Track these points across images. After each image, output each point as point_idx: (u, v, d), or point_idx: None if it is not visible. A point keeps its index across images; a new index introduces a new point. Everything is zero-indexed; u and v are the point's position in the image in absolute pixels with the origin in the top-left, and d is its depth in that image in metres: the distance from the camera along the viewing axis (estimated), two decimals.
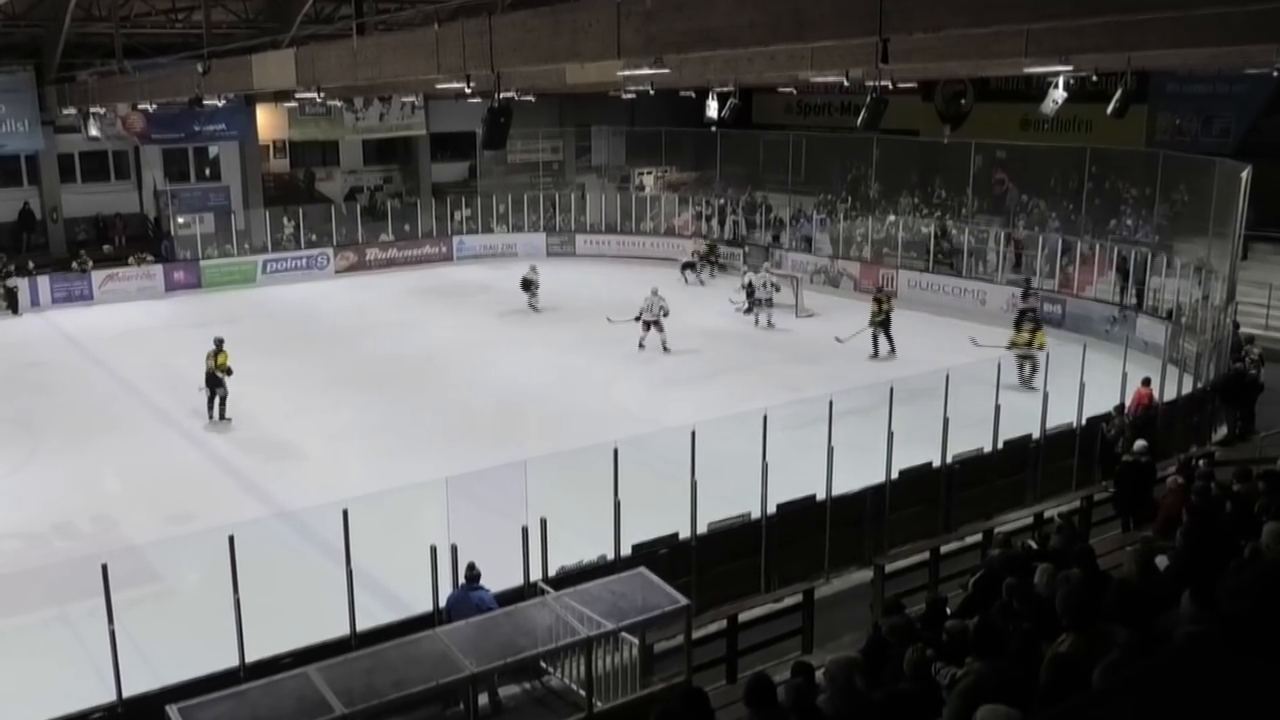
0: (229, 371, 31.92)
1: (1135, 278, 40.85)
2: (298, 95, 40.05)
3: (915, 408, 24.51)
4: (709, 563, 20.80)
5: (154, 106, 43.84)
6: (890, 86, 27.84)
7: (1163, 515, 19.46)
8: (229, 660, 16.45)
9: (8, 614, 20.00)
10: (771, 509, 21.68)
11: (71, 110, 47.57)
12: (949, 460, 24.22)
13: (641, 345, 39.40)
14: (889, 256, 50.74)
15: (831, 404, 22.02)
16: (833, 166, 59.17)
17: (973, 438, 24.88)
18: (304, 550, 21.81)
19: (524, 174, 66.05)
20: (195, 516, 24.08)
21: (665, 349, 39.15)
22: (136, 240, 54.63)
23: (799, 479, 22.22)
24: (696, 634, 17.69)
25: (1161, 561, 13.59)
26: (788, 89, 53.77)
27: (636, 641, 16.82)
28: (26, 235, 52.96)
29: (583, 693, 16.36)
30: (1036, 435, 25.98)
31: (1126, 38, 22.13)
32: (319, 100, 41.90)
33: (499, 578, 18.09)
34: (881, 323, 37.41)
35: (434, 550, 17.68)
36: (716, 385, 34.54)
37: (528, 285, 47.64)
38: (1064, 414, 26.39)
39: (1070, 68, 28.87)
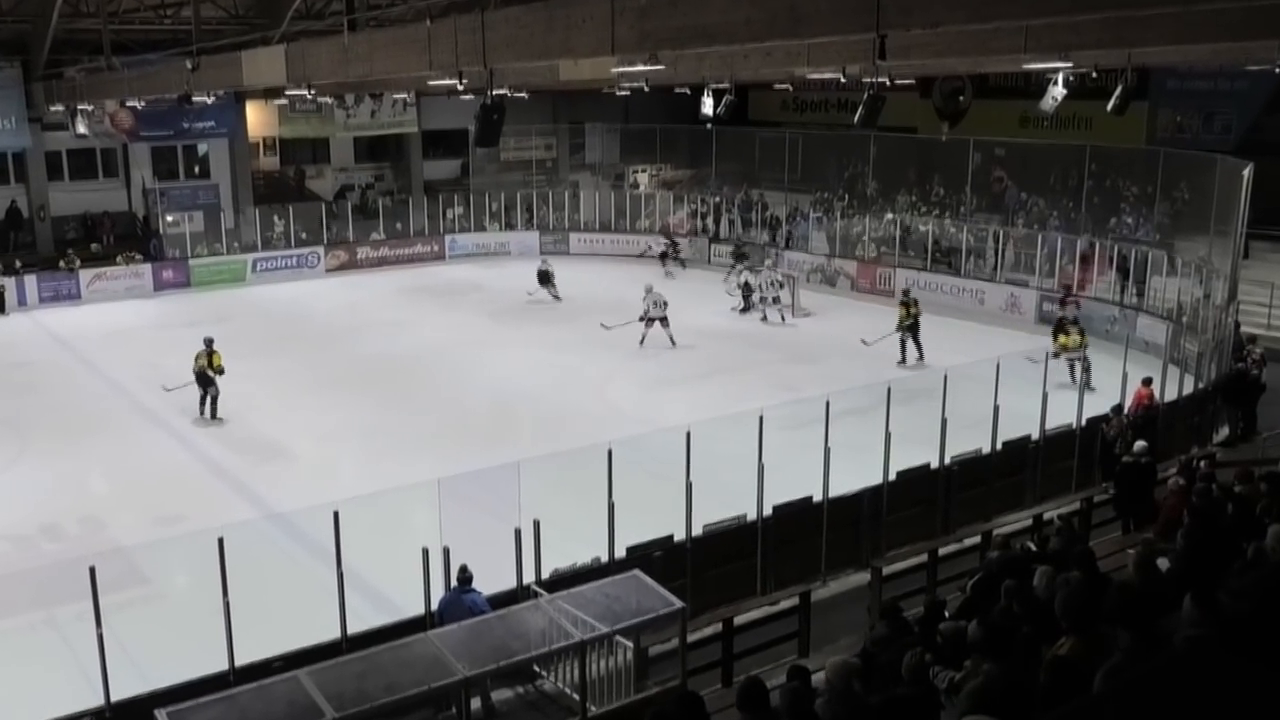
0: (221, 371, 32.06)
1: (1136, 277, 40.86)
2: (288, 92, 40.02)
3: (913, 408, 24.51)
4: (704, 565, 20.78)
5: (142, 103, 43.84)
6: (888, 83, 27.86)
7: (1163, 517, 19.48)
8: (218, 664, 16.42)
9: None
10: (768, 510, 21.66)
11: (59, 107, 47.56)
12: (947, 461, 24.22)
13: (642, 342, 39.56)
14: (886, 255, 50.74)
15: (828, 404, 22.01)
16: (829, 164, 59.21)
17: (971, 438, 24.87)
18: (294, 552, 21.80)
19: (517, 172, 66.11)
20: (184, 518, 24.00)
21: (672, 343, 39.44)
22: (125, 239, 54.60)
23: (795, 480, 22.21)
24: (691, 637, 17.68)
25: (1163, 564, 13.59)
26: (784, 86, 53.90)
27: (631, 645, 16.81)
28: (13, 234, 53.02)
29: (576, 697, 16.34)
30: (1036, 436, 25.95)
31: (1127, 34, 22.14)
32: (310, 97, 41.95)
33: (492, 580, 18.07)
34: (910, 327, 36.70)
35: (426, 552, 17.64)
36: (712, 385, 34.52)
37: (546, 278, 48.06)
38: (1063, 414, 26.39)
39: (1070, 64, 28.90)
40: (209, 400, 32.30)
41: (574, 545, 19.82)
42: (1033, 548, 17.89)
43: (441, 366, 37.68)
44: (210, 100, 41.20)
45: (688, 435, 20.16)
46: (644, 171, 66.94)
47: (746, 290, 45.20)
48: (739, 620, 19.07)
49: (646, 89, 44.00)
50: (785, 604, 19.99)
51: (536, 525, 18.52)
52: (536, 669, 17.26)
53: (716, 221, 60.03)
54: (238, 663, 16.47)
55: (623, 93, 50.64)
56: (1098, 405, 26.76)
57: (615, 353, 38.78)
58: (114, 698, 15.77)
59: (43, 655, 18.88)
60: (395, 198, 63.00)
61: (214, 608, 16.38)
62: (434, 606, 17.69)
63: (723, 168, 62.30)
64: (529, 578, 18.70)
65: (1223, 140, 46.50)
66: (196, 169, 59.07)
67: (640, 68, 25.78)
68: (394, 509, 21.33)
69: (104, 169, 56.57)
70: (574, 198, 63.42)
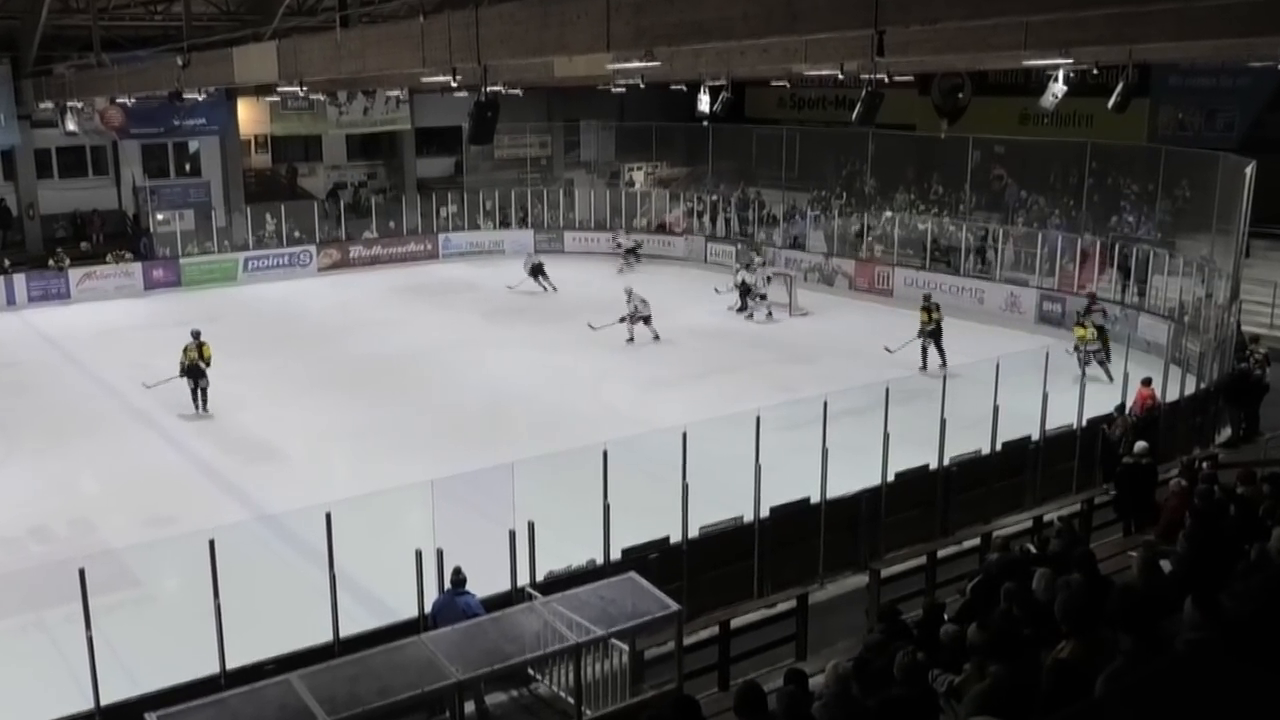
0: (209, 362, 32.38)
1: (1137, 275, 40.87)
2: (280, 89, 40.06)
3: (912, 408, 24.49)
4: (700, 567, 20.77)
5: (133, 100, 43.85)
6: (886, 80, 27.86)
7: (1165, 519, 19.49)
8: (209, 667, 16.41)
9: None
10: (764, 512, 21.65)
11: (48, 104, 47.49)
12: (946, 462, 24.19)
13: (631, 339, 39.81)
14: (885, 254, 50.71)
15: (826, 405, 21.99)
16: (827, 162, 59.21)
17: (970, 439, 24.87)
18: (286, 554, 21.78)
19: (511, 170, 66.10)
20: (175, 520, 24.00)
21: (656, 338, 39.80)
22: (115, 237, 54.57)
23: (793, 481, 22.17)
24: (688, 640, 17.67)
25: (1164, 566, 13.60)
26: (781, 83, 53.98)
27: (626, 648, 16.80)
28: (2, 232, 53.02)
29: (571, 700, 16.34)
30: (1036, 437, 25.95)
31: (1128, 30, 22.14)
32: (302, 94, 41.89)
33: (485, 582, 18.07)
34: (931, 333, 36.32)
35: (419, 554, 17.64)
36: (708, 385, 34.55)
37: (538, 271, 48.41)
38: (1064, 415, 26.40)
39: (1070, 61, 28.90)
40: (200, 393, 32.57)
41: (569, 547, 19.78)
42: (1033, 550, 17.91)
43: (435, 366, 37.66)
44: (201, 97, 41.09)
45: (684, 436, 20.16)
46: (639, 169, 66.84)
47: (744, 290, 45.22)
48: (736, 623, 19.05)
49: (642, 86, 44.00)
50: (782, 607, 19.96)
51: (531, 527, 18.51)
52: (531, 672, 17.25)
53: (713, 220, 60.07)
54: (229, 666, 16.45)
55: (618, 90, 50.63)
56: (1097, 405, 26.75)
57: (610, 353, 38.81)
58: (104, 701, 15.73)
59: (32, 658, 18.88)
60: (388, 196, 63.02)
61: (205, 610, 16.35)
62: (427, 609, 17.69)
63: (719, 166, 62.25)
64: (523, 580, 18.70)
65: (1225, 138, 46.49)
66: (187, 167, 59.00)
67: (636, 64, 25.77)
68: (387, 510, 21.35)
69: (94, 167, 56.51)
70: (569, 196, 63.44)
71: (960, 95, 53.54)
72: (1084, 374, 32.37)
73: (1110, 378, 31.93)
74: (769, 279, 45.62)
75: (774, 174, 59.63)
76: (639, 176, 66.57)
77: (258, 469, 28.65)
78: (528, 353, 38.82)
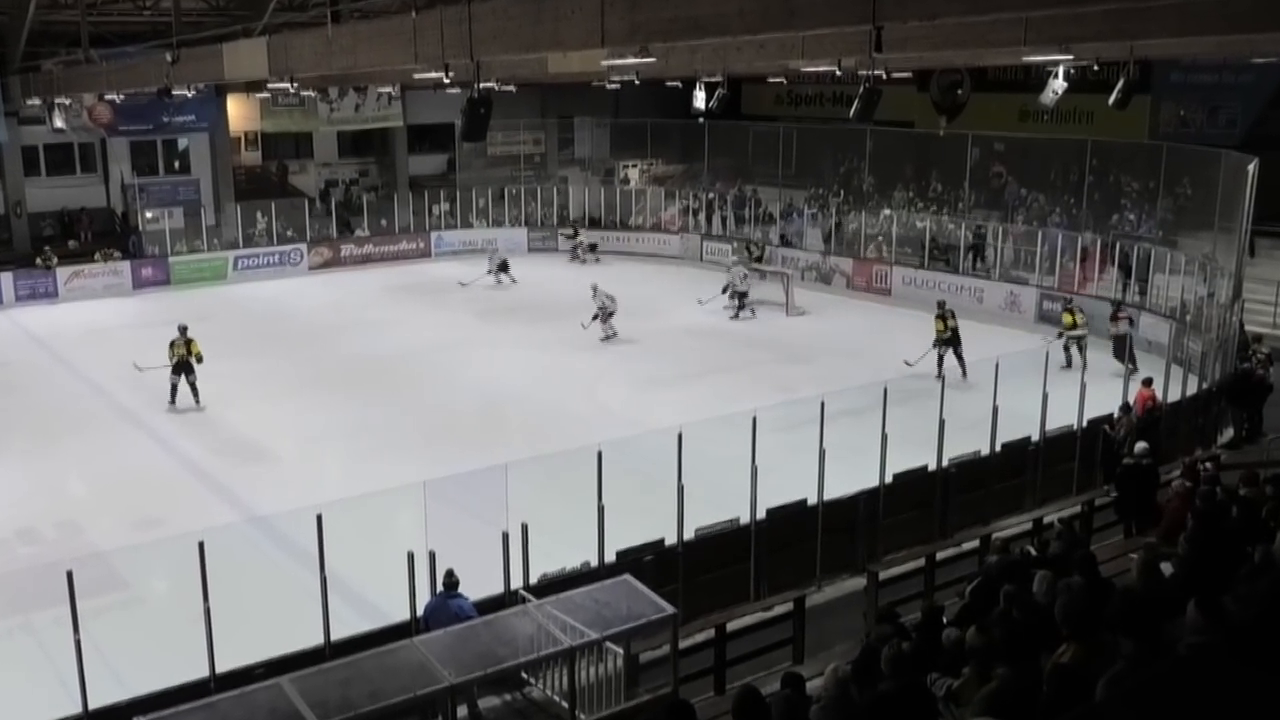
0: (200, 359, 32.62)
1: (1138, 274, 40.88)
2: (270, 85, 40.02)
3: (910, 409, 24.52)
4: (696, 570, 20.77)
5: (121, 97, 43.89)
6: (884, 76, 27.91)
7: (1166, 520, 19.48)
8: (199, 671, 16.39)
9: None
10: (761, 514, 21.66)
11: (36, 101, 47.40)
12: (945, 463, 24.21)
13: (611, 335, 40.11)
14: (882, 251, 50.69)
15: (823, 405, 22.01)
16: (825, 159, 59.33)
17: (970, 440, 24.88)
18: (277, 557, 21.78)
19: (504, 167, 66.16)
20: (164, 521, 23.99)
21: (611, 336, 40.17)
22: (103, 236, 54.61)
23: (790, 483, 22.19)
24: (683, 644, 17.65)
25: (1166, 568, 13.60)
26: (778, 79, 53.92)
27: (621, 651, 16.81)
28: None
29: (565, 705, 16.34)
30: (1036, 437, 25.97)
31: (1128, 26, 22.15)
32: (292, 91, 41.79)
33: (478, 585, 18.07)
34: (948, 340, 35.34)
35: (411, 556, 17.63)
36: (704, 386, 34.54)
37: (504, 268, 49.42)
38: (1064, 415, 26.40)
39: (1070, 57, 28.88)
40: (191, 388, 32.79)
41: (563, 549, 19.76)
42: (1033, 552, 17.91)
43: (427, 366, 37.64)
44: (190, 94, 41.06)
45: (679, 437, 20.17)
46: (634, 167, 66.90)
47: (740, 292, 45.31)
48: (732, 626, 19.04)
49: (637, 82, 43.97)
50: (779, 610, 19.94)
51: (524, 529, 18.53)
52: (524, 676, 17.27)
53: (709, 218, 60.09)
54: (218, 669, 16.43)
55: (613, 86, 50.52)
56: (1098, 405, 26.74)
57: (605, 352, 38.86)
58: (92, 705, 15.70)
59: (19, 661, 18.85)
60: (380, 193, 63.08)
61: (194, 613, 16.35)
62: (419, 612, 17.68)
63: (715, 163, 62.30)
64: (517, 583, 18.70)
65: (1227, 135, 46.54)
66: (176, 164, 59.01)
67: (631, 60, 25.70)
68: (379, 512, 21.34)
69: (82, 164, 56.52)
70: (563, 194, 63.46)
71: (959, 92, 53.74)
72: (1069, 363, 33.55)
73: (1083, 363, 32.60)
74: (745, 276, 45.76)
75: (771, 171, 59.63)
76: (634, 174, 66.61)
77: (248, 470, 28.62)
78: (521, 352, 38.83)
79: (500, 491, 18.42)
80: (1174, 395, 28.53)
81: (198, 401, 33.02)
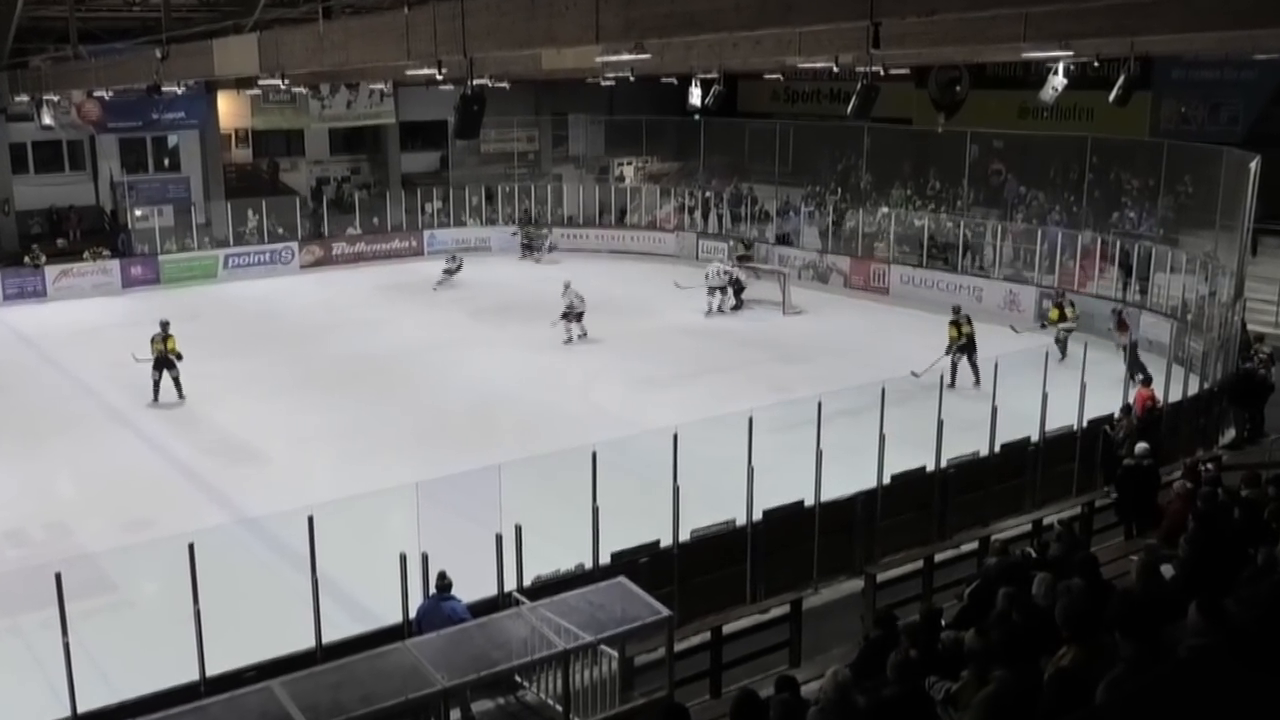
0: (179, 355, 33.01)
1: (1139, 273, 40.89)
2: (261, 82, 40.05)
3: (908, 409, 24.53)
4: (692, 572, 20.77)
5: (110, 94, 43.76)
6: (882, 73, 27.83)
7: (1167, 522, 19.47)
8: (189, 674, 16.38)
9: None
10: (758, 515, 21.65)
11: (24, 98, 47.41)
12: (944, 464, 24.21)
13: (569, 340, 40.03)
14: (881, 251, 50.69)
15: (820, 405, 21.96)
16: (822, 157, 59.28)
17: (969, 440, 24.87)
18: (268, 559, 21.74)
19: (498, 164, 66.13)
20: (153, 523, 23.96)
21: (572, 338, 40.14)
22: (92, 234, 54.59)
23: (786, 484, 22.18)
24: (679, 646, 17.66)
25: (1167, 570, 13.60)
26: (774, 75, 53.75)
27: (616, 654, 16.78)
28: None
29: (559, 708, 16.32)
30: (1035, 438, 25.96)
31: (1129, 22, 22.16)
32: (283, 87, 41.70)
33: (472, 587, 18.05)
34: (963, 348, 34.49)
35: (404, 558, 17.63)
36: (700, 386, 34.52)
37: (456, 268, 49.83)
38: (1064, 416, 26.40)
39: (1071, 53, 28.91)
40: (174, 382, 33.17)
41: (557, 551, 19.78)
42: (1032, 554, 17.89)
43: (420, 366, 37.60)
44: (180, 90, 41.13)
45: (675, 437, 20.16)
46: (629, 164, 66.91)
47: (738, 287, 45.32)
48: (728, 629, 19.05)
49: (632, 79, 43.99)
50: (776, 612, 19.97)
51: (518, 530, 18.51)
52: (518, 679, 17.24)
53: (705, 216, 60.09)
54: (209, 673, 16.42)
55: (607, 83, 50.51)
56: (1098, 405, 26.74)
57: (599, 352, 38.85)
58: (81, 709, 15.70)
59: (7, 665, 18.79)
60: (372, 191, 63.02)
61: (184, 616, 16.30)
62: (412, 615, 17.67)
63: (711, 160, 62.33)
64: (510, 585, 18.69)
65: (1229, 132, 46.60)
66: (166, 162, 58.96)
67: (626, 57, 25.70)
68: (371, 514, 21.34)
69: (70, 161, 56.54)
70: (557, 191, 63.44)
71: (958, 88, 53.80)
72: (1064, 355, 33.97)
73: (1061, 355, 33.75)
74: (719, 272, 46.14)
75: (767, 169, 59.60)
76: (629, 172, 66.62)
77: (238, 471, 28.60)
78: (515, 352, 38.80)
79: (494, 493, 18.43)
80: (1175, 395, 28.52)
81: (180, 395, 33.31)
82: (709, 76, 35.61)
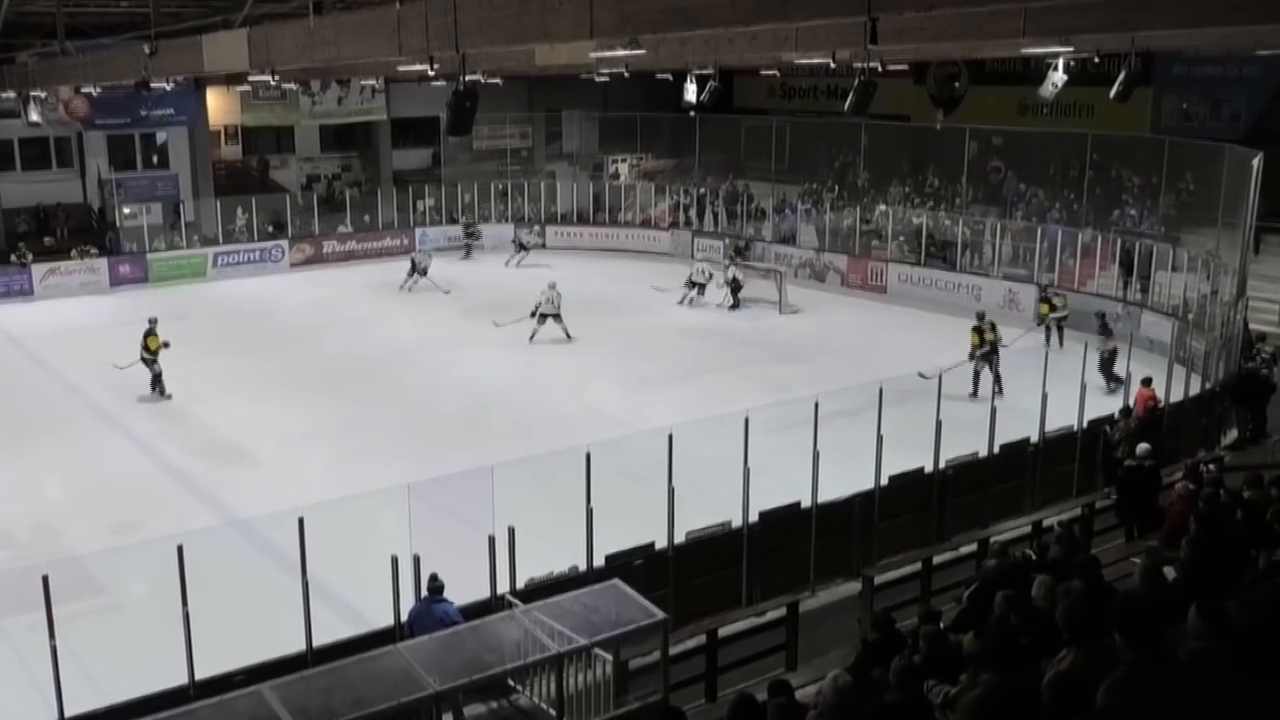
0: (154, 351, 33.52)
1: (1140, 271, 40.94)
2: (251, 78, 39.92)
3: (906, 409, 24.52)
4: (687, 574, 20.76)
5: (98, 90, 43.74)
6: (879, 69, 27.95)
7: (1169, 524, 19.49)
8: (178, 677, 16.39)
9: None
10: (754, 517, 21.66)
11: (10, 94, 47.29)
12: (942, 465, 24.24)
13: (532, 339, 40.02)
14: (878, 249, 50.72)
15: (817, 405, 22.01)
16: (819, 154, 59.33)
17: (967, 441, 24.89)
18: (257, 561, 21.76)
19: (491, 161, 66.11)
20: (142, 525, 23.95)
21: (569, 337, 40.10)
22: (80, 232, 54.57)
23: (783, 485, 22.23)
24: (674, 650, 17.67)
25: (1169, 572, 13.60)
26: (771, 71, 53.75)
27: (610, 658, 16.78)
28: None
29: (553, 712, 16.33)
30: (1035, 439, 25.99)
31: (1129, 17, 22.15)
32: (273, 83, 41.82)
33: (464, 590, 18.06)
34: (985, 355, 33.34)
35: (395, 561, 17.63)
36: (695, 386, 34.55)
37: (422, 269, 49.82)
38: (1064, 416, 26.42)
39: (1071, 49, 28.89)
40: (153, 379, 33.48)
41: (550, 553, 19.78)
42: (1032, 556, 17.89)
43: (412, 366, 37.63)
44: (169, 86, 41.12)
45: (670, 438, 20.14)
46: (624, 161, 66.94)
47: (735, 286, 45.40)
48: (723, 632, 19.04)
49: (626, 75, 44.03)
50: (772, 615, 19.97)
51: (511, 532, 18.53)
52: (511, 683, 17.22)
53: (700, 214, 60.07)
54: (198, 676, 16.42)
55: (602, 79, 50.53)
56: (1098, 406, 26.76)
57: (594, 351, 38.86)
58: (68, 713, 15.71)
59: None
60: (363, 189, 63.04)
61: (173, 618, 16.33)
62: (403, 617, 17.68)
63: (706, 158, 62.41)
64: (503, 587, 18.70)
65: (1231, 128, 46.61)
66: (155, 159, 58.92)
67: (620, 52, 25.67)
68: (362, 515, 21.33)
69: (58, 159, 56.44)
70: (550, 189, 63.41)
71: (956, 84, 53.40)
72: (1049, 341, 35.50)
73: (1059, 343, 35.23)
74: (710, 275, 46.89)
75: (763, 166, 59.73)
76: (623, 169, 66.66)
77: (228, 472, 28.58)
78: (508, 351, 38.82)
79: (486, 494, 18.42)
80: (1176, 395, 28.57)
81: (162, 392, 33.70)
82: (704, 72, 35.62)
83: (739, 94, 62.87)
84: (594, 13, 17.50)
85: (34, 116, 46.80)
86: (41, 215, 54.84)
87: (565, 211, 62.44)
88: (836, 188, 57.40)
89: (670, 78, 45.93)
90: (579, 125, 68.97)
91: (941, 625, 13.99)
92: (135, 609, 21.56)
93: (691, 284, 46.20)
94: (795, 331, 42.10)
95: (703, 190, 60.75)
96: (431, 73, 24.07)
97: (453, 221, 60.67)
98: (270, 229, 56.38)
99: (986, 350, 33.21)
